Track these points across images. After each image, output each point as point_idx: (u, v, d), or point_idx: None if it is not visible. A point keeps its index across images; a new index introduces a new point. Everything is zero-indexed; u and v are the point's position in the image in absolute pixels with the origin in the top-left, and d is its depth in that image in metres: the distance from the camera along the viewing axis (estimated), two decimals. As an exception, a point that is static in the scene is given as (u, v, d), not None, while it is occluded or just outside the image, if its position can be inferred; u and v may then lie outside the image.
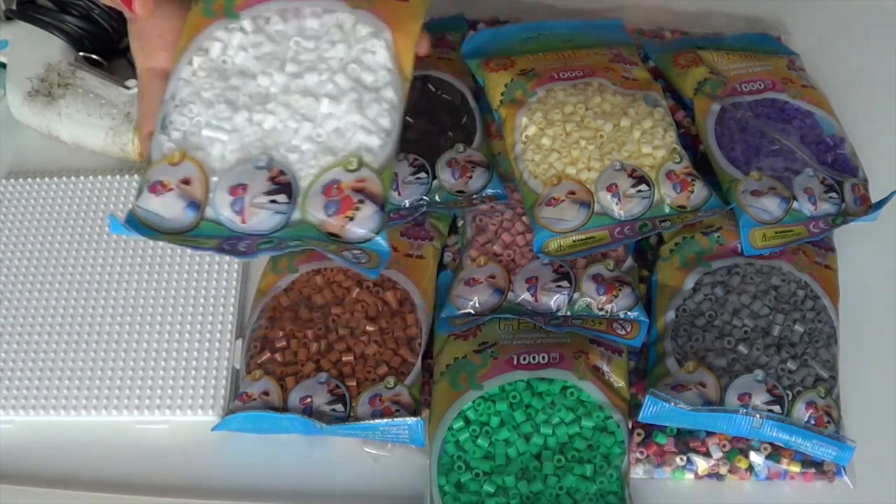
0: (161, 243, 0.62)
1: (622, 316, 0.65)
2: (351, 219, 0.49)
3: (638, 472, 0.63)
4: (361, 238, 0.48)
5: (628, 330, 0.64)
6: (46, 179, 0.77)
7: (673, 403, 0.60)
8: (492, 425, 0.61)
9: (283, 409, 0.63)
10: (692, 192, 0.67)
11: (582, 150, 0.69)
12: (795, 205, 0.68)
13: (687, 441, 0.63)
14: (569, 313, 0.66)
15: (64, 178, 0.77)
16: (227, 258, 0.72)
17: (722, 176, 0.71)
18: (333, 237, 0.49)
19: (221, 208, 0.49)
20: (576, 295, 0.66)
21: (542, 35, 0.78)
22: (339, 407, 0.62)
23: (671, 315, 0.66)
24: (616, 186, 0.67)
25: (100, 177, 0.77)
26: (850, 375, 0.65)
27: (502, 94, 0.73)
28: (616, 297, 0.65)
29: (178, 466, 0.64)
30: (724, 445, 0.63)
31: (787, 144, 0.71)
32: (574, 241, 0.66)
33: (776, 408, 0.60)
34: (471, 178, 0.70)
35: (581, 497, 0.59)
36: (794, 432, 0.60)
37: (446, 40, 0.80)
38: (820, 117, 0.73)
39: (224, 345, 0.68)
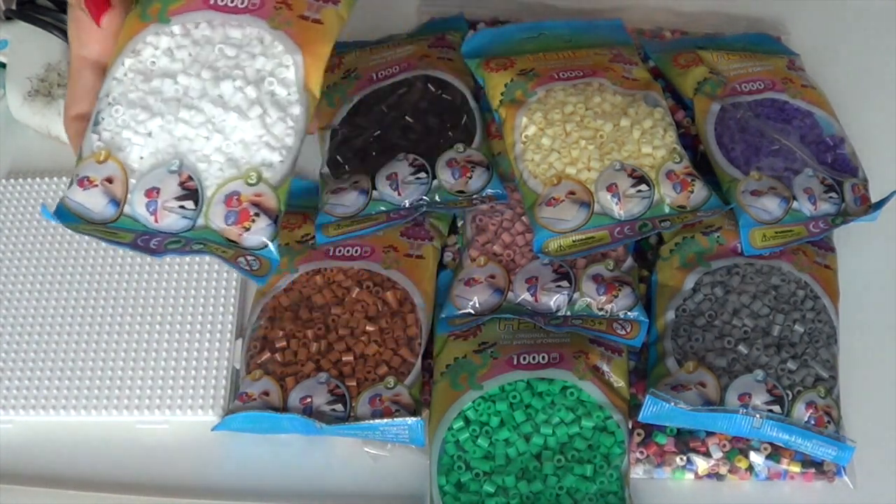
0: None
1: (622, 316, 0.65)
2: (247, 229, 0.53)
3: (638, 472, 0.63)
4: (256, 246, 0.53)
5: (628, 330, 0.64)
6: (46, 179, 0.77)
7: (673, 403, 0.60)
8: (492, 425, 0.61)
9: (283, 409, 0.63)
10: (692, 192, 0.67)
11: (582, 150, 0.69)
12: (795, 205, 0.68)
13: (687, 441, 0.63)
14: (569, 313, 0.66)
15: (64, 178, 0.77)
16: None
17: (722, 176, 0.71)
18: (232, 242, 0.54)
19: (138, 207, 0.54)
20: (576, 295, 0.66)
21: (542, 35, 0.78)
22: (339, 407, 0.62)
23: (671, 315, 0.66)
24: (616, 186, 0.67)
25: (100, 177, 0.77)
26: (850, 375, 0.65)
27: (502, 93, 0.73)
28: (616, 297, 0.65)
29: (178, 466, 0.64)
30: (724, 445, 0.63)
31: (787, 144, 0.71)
32: (574, 241, 0.66)
33: (776, 408, 0.60)
34: (471, 178, 0.70)
35: (581, 497, 0.59)
36: (794, 432, 0.60)
37: (446, 40, 0.80)
38: (820, 117, 0.73)
39: (224, 345, 0.68)
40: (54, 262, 0.72)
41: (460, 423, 0.62)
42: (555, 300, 0.66)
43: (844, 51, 0.84)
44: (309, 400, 0.62)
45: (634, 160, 0.68)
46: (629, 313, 0.65)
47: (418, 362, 0.64)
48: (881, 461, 0.63)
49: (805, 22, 0.85)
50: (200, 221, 0.54)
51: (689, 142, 0.75)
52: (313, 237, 0.70)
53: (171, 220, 0.53)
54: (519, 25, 0.80)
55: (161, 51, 0.57)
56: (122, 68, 0.57)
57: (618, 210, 0.67)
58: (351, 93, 0.76)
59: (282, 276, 0.69)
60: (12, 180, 0.78)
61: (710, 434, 0.63)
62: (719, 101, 0.74)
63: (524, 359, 0.63)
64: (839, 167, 0.71)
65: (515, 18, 0.85)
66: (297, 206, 0.74)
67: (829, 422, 0.61)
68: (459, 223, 0.73)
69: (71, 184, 0.54)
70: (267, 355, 0.65)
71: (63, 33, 0.80)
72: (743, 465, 0.62)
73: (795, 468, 0.62)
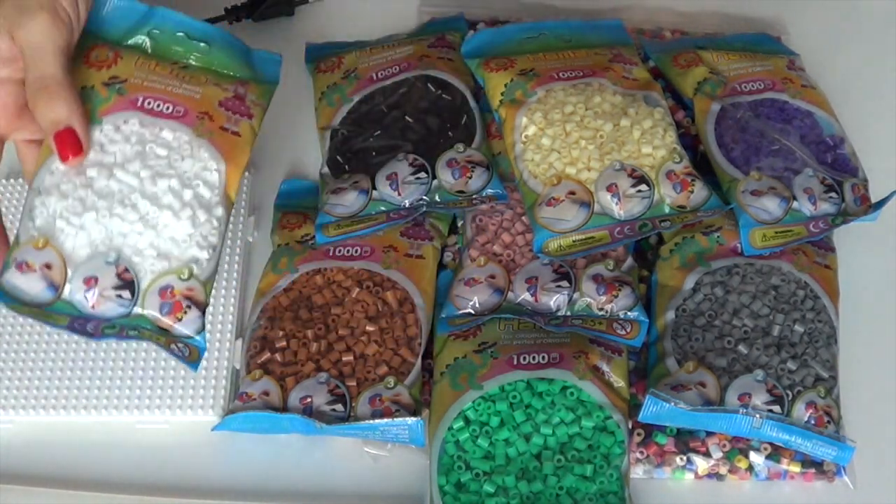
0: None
1: (622, 316, 0.65)
2: (180, 319, 0.58)
3: (638, 472, 0.63)
4: (187, 335, 0.58)
5: (628, 330, 0.64)
6: (46, 179, 0.77)
7: (673, 403, 0.60)
8: (492, 425, 0.61)
9: (283, 409, 0.63)
10: (692, 192, 0.67)
11: (582, 150, 0.69)
12: (795, 205, 0.68)
13: (687, 441, 0.63)
14: (569, 313, 0.66)
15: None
16: (228, 257, 0.72)
17: (722, 176, 0.71)
18: (163, 330, 0.58)
19: (76, 293, 0.57)
20: (576, 295, 0.66)
21: (542, 35, 0.78)
22: (339, 407, 0.62)
23: (671, 315, 0.66)
24: (616, 186, 0.67)
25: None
26: (850, 375, 0.65)
27: (502, 93, 0.73)
28: (616, 297, 0.65)
29: (178, 466, 0.64)
30: (724, 445, 0.63)
31: (787, 144, 0.71)
32: (574, 241, 0.66)
33: (776, 408, 0.60)
34: (471, 178, 0.70)
35: (581, 497, 0.59)
36: (794, 432, 0.60)
37: (446, 40, 0.80)
38: (820, 117, 0.73)
39: (224, 345, 0.68)
40: (54, 263, 0.72)
41: (460, 423, 0.62)
42: (555, 300, 0.66)
43: (844, 51, 0.84)
44: (309, 400, 0.62)
45: (634, 160, 0.68)
46: (629, 313, 0.65)
47: (418, 362, 0.64)
48: (881, 461, 0.63)
49: (805, 22, 0.85)
50: (136, 310, 0.58)
51: (689, 142, 0.75)
52: (313, 237, 0.70)
53: (107, 307, 0.57)
54: (519, 25, 0.80)
55: (93, 144, 0.60)
56: (55, 161, 0.59)
57: (618, 210, 0.67)
58: (351, 93, 0.76)
59: (282, 276, 0.69)
60: (12, 180, 0.78)
61: (710, 434, 0.63)
62: (719, 101, 0.74)
63: (524, 359, 0.63)
64: (839, 167, 0.71)
65: (515, 18, 0.85)
66: (297, 206, 0.74)
67: (829, 422, 0.61)
68: (459, 223, 0.73)
69: (7, 267, 0.57)
70: (267, 355, 0.65)
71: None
72: (743, 465, 0.62)
73: (795, 468, 0.62)
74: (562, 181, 0.68)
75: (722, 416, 0.60)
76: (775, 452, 0.62)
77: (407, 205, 0.70)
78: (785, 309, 0.65)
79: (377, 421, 0.61)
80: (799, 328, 0.64)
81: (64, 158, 0.59)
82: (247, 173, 0.77)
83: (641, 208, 0.67)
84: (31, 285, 0.57)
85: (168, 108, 0.62)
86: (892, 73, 0.82)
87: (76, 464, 0.65)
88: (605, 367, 0.63)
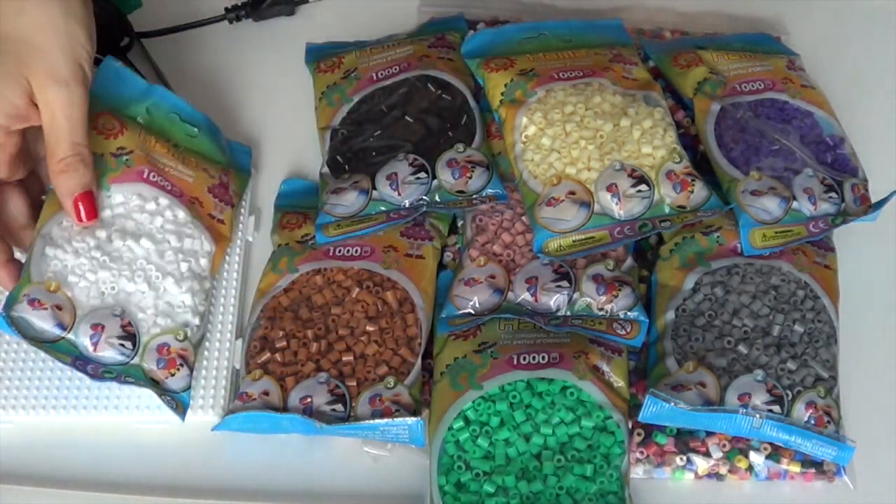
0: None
1: (622, 316, 0.65)
2: (172, 375, 0.64)
3: (638, 472, 0.63)
4: (176, 390, 0.64)
5: (628, 330, 0.64)
6: (46, 179, 0.77)
7: (673, 403, 0.60)
8: (492, 425, 0.61)
9: (283, 409, 0.63)
10: (692, 192, 0.67)
11: (582, 150, 0.69)
12: (795, 205, 0.68)
13: (687, 441, 0.63)
14: (569, 313, 0.66)
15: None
16: (228, 257, 0.72)
17: (722, 176, 0.71)
18: (154, 382, 0.64)
19: (82, 337, 0.63)
20: (576, 295, 0.66)
21: (542, 35, 0.78)
22: (339, 407, 0.62)
23: (671, 315, 0.66)
24: (616, 186, 0.67)
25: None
26: (850, 375, 0.65)
27: (502, 93, 0.73)
28: (616, 297, 0.65)
29: (178, 466, 0.64)
30: (724, 445, 0.63)
31: (787, 144, 0.71)
32: (574, 241, 0.66)
33: (776, 408, 0.60)
34: (471, 178, 0.70)
35: (581, 497, 0.59)
36: (794, 432, 0.60)
37: (446, 40, 0.80)
38: (820, 117, 0.73)
39: (224, 345, 0.68)
40: (54, 263, 0.73)
41: (460, 423, 0.62)
42: (555, 300, 0.66)
43: (844, 51, 0.84)
44: (309, 400, 0.62)
45: (634, 160, 0.68)
46: (629, 313, 0.65)
47: (418, 362, 0.64)
48: (881, 461, 0.63)
49: (805, 22, 0.85)
50: (135, 361, 0.64)
51: (689, 142, 0.75)
52: (313, 237, 0.70)
53: (109, 353, 0.63)
54: (519, 25, 0.80)
55: (105, 210, 0.67)
56: (64, 215, 0.66)
57: (618, 210, 0.67)
58: (351, 93, 0.76)
59: (282, 276, 0.69)
60: (12, 180, 0.78)
61: (710, 434, 0.63)
62: (719, 101, 0.74)
63: (524, 359, 0.63)
64: (839, 167, 0.71)
65: (515, 18, 0.85)
66: (297, 206, 0.74)
67: (829, 422, 0.61)
68: (459, 223, 0.73)
69: (18, 301, 0.62)
70: (267, 355, 0.65)
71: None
72: (743, 465, 0.62)
73: (795, 468, 0.62)
74: (562, 181, 0.68)
75: (722, 416, 0.60)
76: (775, 452, 0.62)
77: (407, 205, 0.70)
78: (785, 309, 0.65)
79: (377, 421, 0.61)
80: (799, 328, 0.64)
81: (81, 221, 0.65)
82: (247, 173, 0.77)
83: (641, 208, 0.67)
84: (42, 322, 0.62)
85: (168, 186, 0.69)
86: (892, 73, 0.82)
87: (76, 464, 0.65)
88: (605, 367, 0.63)
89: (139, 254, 0.66)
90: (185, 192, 0.69)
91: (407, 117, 0.73)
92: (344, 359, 0.64)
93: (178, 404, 0.63)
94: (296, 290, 0.68)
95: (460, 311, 0.67)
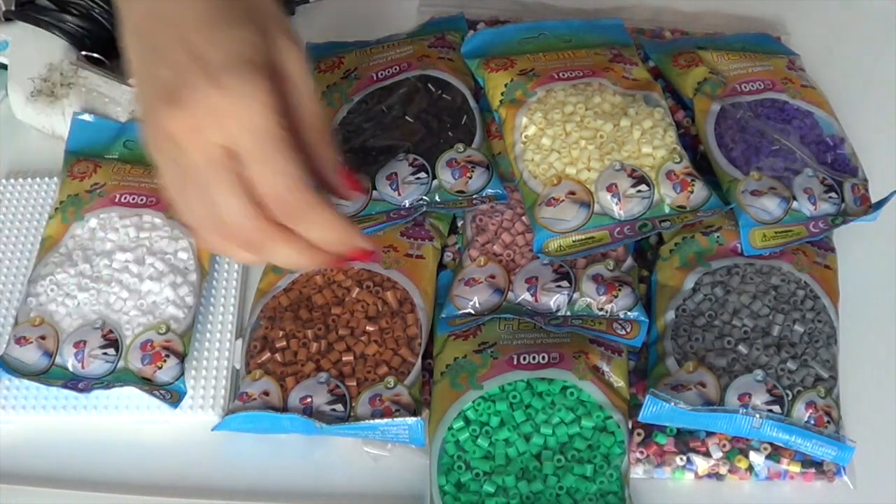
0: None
1: (622, 316, 0.65)
2: (160, 367, 0.65)
3: (638, 472, 0.63)
4: (167, 382, 0.65)
5: (628, 330, 0.64)
6: (46, 179, 0.77)
7: (673, 403, 0.60)
8: (492, 425, 0.61)
9: (283, 409, 0.63)
10: (692, 192, 0.67)
11: (582, 150, 0.69)
12: (795, 205, 0.68)
13: (687, 441, 0.63)
14: (569, 313, 0.66)
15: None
16: (228, 258, 0.72)
17: (722, 176, 0.71)
18: (146, 380, 0.65)
19: (67, 358, 0.65)
20: (575, 295, 0.66)
21: (542, 35, 0.78)
22: (339, 407, 0.62)
23: (671, 315, 0.66)
24: (616, 186, 0.67)
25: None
26: (850, 375, 0.65)
27: (502, 94, 0.73)
28: (616, 297, 0.65)
29: (178, 466, 0.64)
30: (724, 445, 0.63)
31: (787, 144, 0.71)
32: (574, 242, 0.66)
33: (776, 408, 0.60)
34: (471, 178, 0.70)
35: (581, 497, 0.59)
36: (794, 432, 0.60)
37: (446, 40, 0.80)
38: (820, 117, 0.73)
39: (224, 345, 0.68)
40: (54, 263, 0.73)
41: (460, 423, 0.62)
42: (555, 300, 0.66)
43: (844, 51, 0.84)
44: (309, 400, 0.62)
45: (634, 160, 0.68)
46: (629, 313, 0.65)
47: (418, 362, 0.64)
48: (881, 461, 0.63)
49: (805, 22, 0.85)
50: (121, 364, 0.65)
51: (689, 142, 0.75)
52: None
53: (95, 365, 0.65)
54: (519, 25, 0.80)
55: (82, 238, 0.70)
56: (48, 255, 0.70)
57: (618, 210, 0.67)
58: (351, 93, 0.76)
59: (282, 276, 0.69)
60: (12, 180, 0.78)
61: (710, 434, 0.63)
62: (719, 101, 0.74)
63: (524, 359, 0.63)
64: (839, 167, 0.71)
65: (515, 18, 0.85)
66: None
67: (828, 422, 0.61)
68: (459, 223, 0.73)
69: (9, 343, 0.66)
70: (267, 355, 0.65)
71: (64, 33, 0.80)
72: (743, 465, 0.62)
73: (795, 468, 0.62)
74: (562, 181, 0.68)
75: (722, 416, 0.60)
76: (775, 452, 0.62)
77: (407, 205, 0.70)
78: (785, 309, 0.65)
79: (377, 421, 0.61)
80: (799, 328, 0.64)
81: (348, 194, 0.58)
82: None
83: (641, 208, 0.67)
84: (29, 355, 0.65)
85: (142, 200, 0.72)
86: (892, 73, 0.82)
87: (76, 464, 0.65)
88: (605, 367, 0.63)
89: (117, 266, 0.69)
90: (162, 198, 0.70)
91: (407, 117, 0.73)
92: (344, 359, 0.64)
93: (173, 394, 0.64)
94: (296, 290, 0.68)
95: (460, 311, 0.67)
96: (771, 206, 0.68)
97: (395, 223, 0.69)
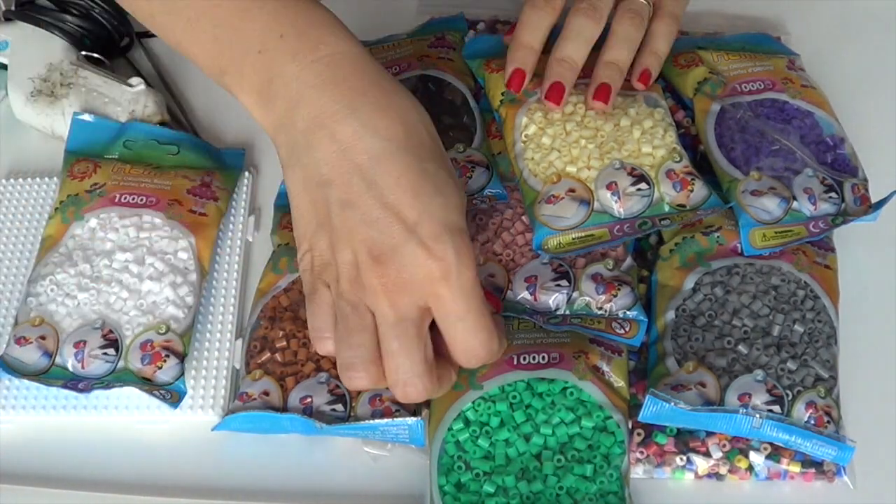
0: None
1: (621, 315, 0.65)
2: (160, 367, 0.65)
3: (638, 472, 0.63)
4: (167, 382, 0.65)
5: (627, 329, 0.64)
6: (46, 179, 0.77)
7: (673, 403, 0.60)
8: (492, 425, 0.61)
9: (283, 409, 0.63)
10: (692, 190, 0.67)
11: (582, 148, 0.69)
12: (795, 205, 0.68)
13: (687, 441, 0.63)
14: (568, 312, 0.66)
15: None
16: (228, 257, 0.72)
17: (722, 176, 0.71)
18: (146, 380, 0.65)
19: (67, 358, 0.65)
20: (575, 294, 0.66)
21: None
22: (339, 407, 0.62)
23: (671, 315, 0.66)
24: (616, 185, 0.67)
25: (100, 177, 0.78)
26: (850, 375, 0.65)
27: (503, 94, 0.73)
28: (615, 296, 0.65)
29: (178, 466, 0.64)
30: (724, 445, 0.63)
31: (787, 144, 0.71)
32: (573, 239, 0.66)
33: (776, 408, 0.60)
34: (471, 177, 0.70)
35: (581, 497, 0.59)
36: (794, 432, 0.60)
37: (446, 40, 0.80)
38: (820, 117, 0.73)
39: (224, 345, 0.68)
40: (54, 263, 0.73)
41: (460, 424, 0.62)
42: (554, 299, 0.66)
43: (844, 51, 0.83)
44: (309, 400, 0.62)
45: (634, 159, 0.68)
46: (628, 312, 0.65)
47: (418, 362, 0.64)
48: (881, 461, 0.63)
49: (805, 22, 0.85)
50: (121, 364, 0.65)
51: (689, 142, 0.75)
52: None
53: (95, 365, 0.65)
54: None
55: (82, 238, 0.70)
56: (48, 255, 0.70)
57: (617, 208, 0.67)
58: (351, 93, 0.76)
59: (282, 276, 0.69)
60: (12, 180, 0.78)
61: (710, 434, 0.63)
62: (719, 101, 0.74)
63: (524, 359, 0.63)
64: (839, 167, 0.71)
65: (515, 18, 0.84)
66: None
67: (829, 422, 0.61)
68: None
69: (9, 343, 0.66)
70: (267, 355, 0.65)
71: (64, 33, 0.80)
72: (743, 465, 0.62)
73: (795, 468, 0.62)
74: (562, 179, 0.68)
75: (722, 417, 0.60)
76: (775, 452, 0.62)
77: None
78: (785, 309, 0.65)
79: (377, 421, 0.61)
80: (799, 328, 0.64)
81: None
82: (247, 173, 0.77)
83: (641, 206, 0.67)
84: (29, 355, 0.65)
85: (142, 200, 0.72)
86: (892, 73, 0.82)
87: (76, 464, 0.65)
88: (605, 367, 0.63)
89: (117, 266, 0.69)
90: (162, 198, 0.72)
91: (407, 117, 0.73)
92: (344, 359, 0.64)
93: (173, 394, 0.64)
94: (296, 290, 0.68)
95: None
96: (771, 206, 0.68)
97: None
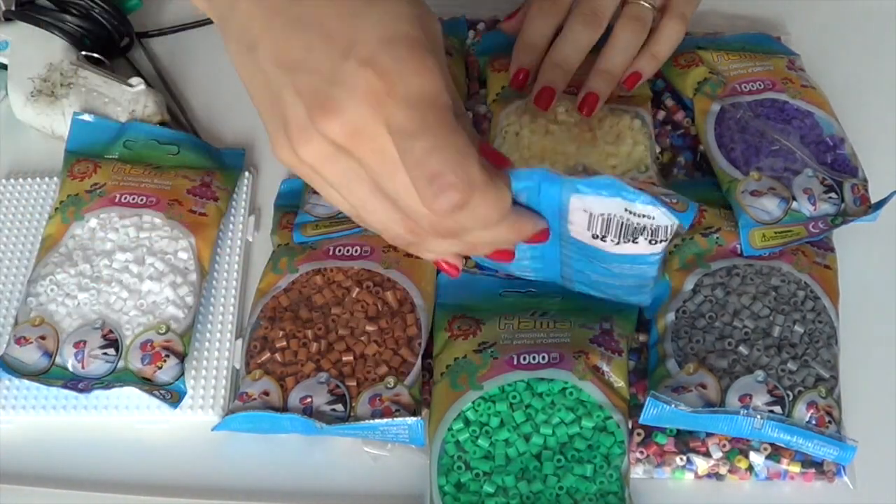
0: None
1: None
2: (160, 367, 0.65)
3: (638, 472, 0.63)
4: (167, 382, 0.64)
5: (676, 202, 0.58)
6: (46, 179, 0.77)
7: (673, 406, 0.60)
8: (492, 426, 0.61)
9: (283, 409, 0.63)
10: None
11: (551, 150, 0.70)
12: (795, 205, 0.68)
13: (687, 441, 0.63)
14: None
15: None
16: (228, 257, 0.72)
17: (722, 176, 0.71)
18: (146, 380, 0.64)
19: (67, 358, 0.65)
20: None
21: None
22: (339, 407, 0.62)
23: (671, 317, 0.66)
24: None
25: (100, 177, 0.78)
26: (850, 375, 0.65)
27: (497, 94, 0.74)
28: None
29: (178, 466, 0.64)
30: (724, 445, 0.63)
31: (787, 145, 0.71)
32: None
33: (777, 408, 0.60)
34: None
35: (581, 497, 0.59)
36: (796, 433, 0.60)
37: (446, 42, 0.80)
38: (820, 117, 0.73)
39: (224, 345, 0.68)
40: (54, 262, 0.73)
41: (460, 424, 0.62)
42: None
43: (844, 51, 0.83)
44: (309, 400, 0.62)
45: (597, 166, 0.69)
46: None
47: (418, 362, 0.64)
48: (881, 461, 0.63)
49: (805, 22, 0.85)
50: (121, 364, 0.65)
51: (689, 142, 0.75)
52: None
53: (95, 365, 0.65)
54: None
55: (82, 238, 0.70)
56: (48, 255, 0.70)
57: None
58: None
59: (282, 275, 0.69)
60: (12, 180, 0.78)
61: (710, 434, 0.63)
62: (719, 101, 0.74)
63: (524, 359, 0.63)
64: (839, 167, 0.71)
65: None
66: (297, 206, 0.74)
67: (830, 422, 0.61)
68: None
69: (9, 343, 0.66)
70: (267, 355, 0.65)
71: (64, 33, 0.80)
72: (743, 465, 0.62)
73: (795, 468, 0.62)
74: None
75: (723, 418, 0.60)
76: (775, 452, 0.62)
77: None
78: (785, 310, 0.65)
79: (377, 421, 0.61)
80: (799, 329, 0.64)
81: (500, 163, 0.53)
82: (247, 173, 0.77)
83: None
84: (29, 355, 0.65)
85: (142, 200, 0.72)
86: (892, 73, 0.82)
87: (76, 464, 0.65)
88: (605, 367, 0.63)
89: (117, 266, 0.69)
90: (162, 198, 0.72)
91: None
92: (344, 359, 0.64)
93: (173, 394, 0.64)
94: (296, 290, 0.68)
95: None
96: (770, 206, 0.68)
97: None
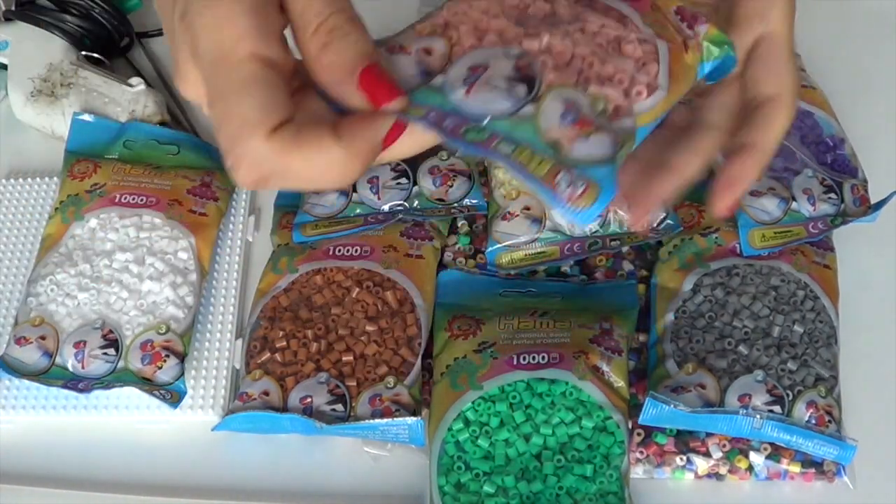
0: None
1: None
2: (160, 367, 0.65)
3: (638, 472, 0.63)
4: (167, 382, 0.65)
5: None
6: (46, 179, 0.77)
7: (673, 406, 0.60)
8: (492, 426, 0.61)
9: (283, 409, 0.63)
10: None
11: None
12: (794, 205, 0.68)
13: (687, 441, 0.63)
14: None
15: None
16: (228, 257, 0.72)
17: (722, 176, 0.71)
18: (146, 380, 0.64)
19: (67, 358, 0.65)
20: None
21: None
22: (339, 407, 0.62)
23: (671, 317, 0.66)
24: None
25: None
26: (850, 375, 0.65)
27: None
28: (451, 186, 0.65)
29: (178, 466, 0.64)
30: (724, 445, 0.63)
31: (787, 145, 0.71)
32: (525, 255, 0.69)
33: (776, 408, 0.60)
34: (451, 186, 0.70)
35: (581, 497, 0.59)
36: (795, 432, 0.60)
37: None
38: (820, 118, 0.73)
39: (224, 345, 0.68)
40: (54, 263, 0.73)
41: (460, 424, 0.62)
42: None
43: (844, 51, 0.83)
44: (309, 400, 0.62)
45: None
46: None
47: (418, 362, 0.64)
48: (881, 461, 0.63)
49: (805, 22, 0.85)
50: (121, 364, 0.65)
51: (689, 142, 0.75)
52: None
53: (95, 365, 0.65)
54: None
55: (82, 238, 0.70)
56: (48, 255, 0.70)
57: (568, 228, 0.68)
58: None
59: (282, 276, 0.69)
60: (12, 180, 0.78)
61: (709, 434, 0.63)
62: (719, 101, 0.74)
63: (524, 359, 0.63)
64: (839, 168, 0.71)
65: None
66: (297, 207, 0.74)
67: (829, 421, 0.61)
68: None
69: (9, 343, 0.66)
70: (267, 355, 0.65)
71: (64, 33, 0.80)
72: (743, 465, 0.62)
73: (795, 468, 0.62)
74: (520, 195, 0.69)
75: (722, 418, 0.60)
76: (775, 452, 0.62)
77: (385, 209, 0.70)
78: (785, 309, 0.65)
79: (377, 421, 0.61)
80: (799, 328, 0.64)
81: (381, 103, 0.44)
82: (247, 173, 0.77)
83: (593, 226, 0.69)
84: (29, 355, 0.65)
85: (142, 200, 0.72)
86: (892, 73, 0.82)
87: (76, 464, 0.65)
88: (604, 367, 0.63)
89: (117, 266, 0.69)
90: (163, 198, 0.72)
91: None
92: (344, 359, 0.64)
93: (173, 394, 0.64)
94: (296, 290, 0.68)
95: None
96: (770, 206, 0.68)
97: (372, 227, 0.70)
